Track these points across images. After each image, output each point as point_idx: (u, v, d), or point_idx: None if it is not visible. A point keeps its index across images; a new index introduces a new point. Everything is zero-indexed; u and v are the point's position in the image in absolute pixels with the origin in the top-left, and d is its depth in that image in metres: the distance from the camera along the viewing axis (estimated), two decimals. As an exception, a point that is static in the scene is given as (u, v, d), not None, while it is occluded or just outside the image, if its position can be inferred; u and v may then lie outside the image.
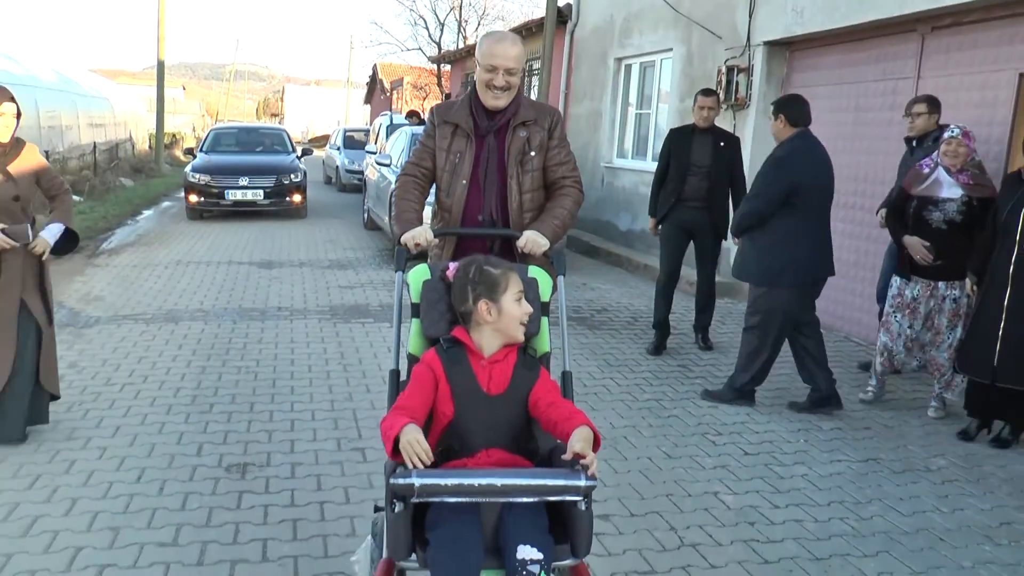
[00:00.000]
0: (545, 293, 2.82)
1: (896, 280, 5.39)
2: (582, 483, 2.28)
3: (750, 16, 8.96)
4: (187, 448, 4.37)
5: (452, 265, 2.73)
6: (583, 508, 2.39)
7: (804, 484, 4.26)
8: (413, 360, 2.74)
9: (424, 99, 34.70)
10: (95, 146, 20.50)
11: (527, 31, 15.95)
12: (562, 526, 2.47)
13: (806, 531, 3.75)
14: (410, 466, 2.23)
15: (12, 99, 4.05)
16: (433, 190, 3.60)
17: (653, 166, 11.14)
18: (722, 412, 5.29)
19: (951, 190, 5.09)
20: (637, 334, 7.20)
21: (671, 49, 10.79)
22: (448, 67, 27.51)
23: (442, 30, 30.76)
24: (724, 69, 9.25)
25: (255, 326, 6.94)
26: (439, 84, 29.97)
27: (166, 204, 16.95)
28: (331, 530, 3.56)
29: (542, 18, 13.84)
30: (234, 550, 3.35)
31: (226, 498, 3.81)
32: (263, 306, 7.71)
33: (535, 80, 15.47)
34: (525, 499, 2.36)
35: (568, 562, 2.46)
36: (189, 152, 16.84)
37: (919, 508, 4.04)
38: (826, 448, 4.77)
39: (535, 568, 2.33)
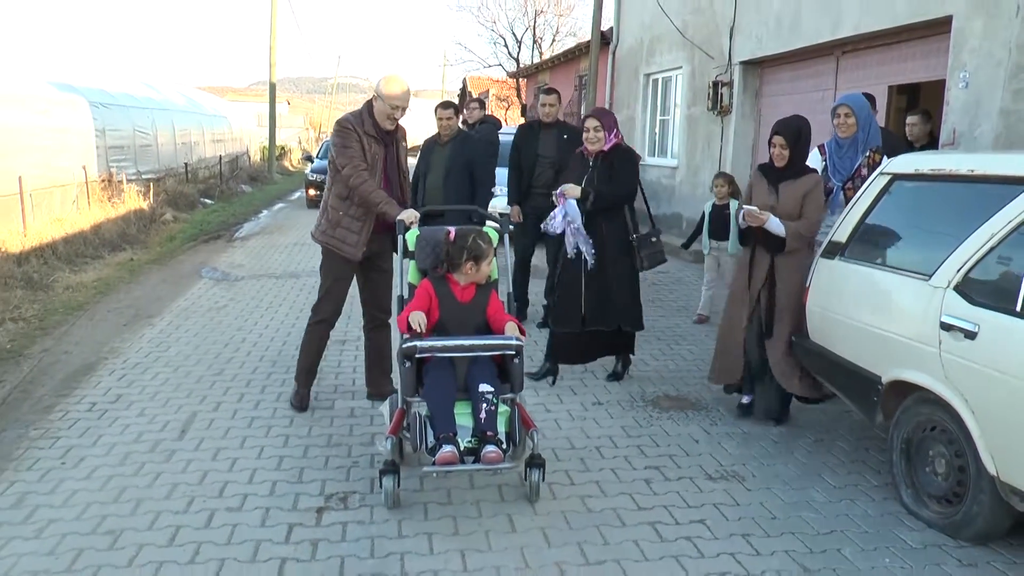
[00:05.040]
0: (494, 242, 4.20)
1: None
2: (514, 342, 3.86)
3: (730, 41, 11.41)
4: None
5: (452, 230, 4.15)
6: (516, 362, 3.87)
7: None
8: (412, 287, 4.23)
9: (507, 109, 37.55)
10: (220, 159, 24.02)
11: (579, 51, 18.56)
12: (505, 375, 3.96)
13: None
14: (416, 327, 3.78)
15: None
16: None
17: (672, 162, 13.77)
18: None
19: None
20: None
21: (681, 67, 13.27)
22: (525, 80, 30.28)
23: (519, 47, 33.56)
24: (711, 84, 11.72)
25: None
26: (518, 95, 32.77)
27: (279, 206, 20.11)
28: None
29: (590, 41, 16.47)
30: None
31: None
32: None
33: (584, 93, 18.06)
34: (482, 353, 3.85)
35: (509, 395, 3.92)
36: (308, 158, 21.34)
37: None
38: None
39: (490, 396, 3.77)
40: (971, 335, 3.51)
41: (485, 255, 4.02)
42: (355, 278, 5.29)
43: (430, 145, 7.35)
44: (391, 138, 5.01)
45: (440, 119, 7.15)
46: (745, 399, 5.26)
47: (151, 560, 3.41)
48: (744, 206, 4.95)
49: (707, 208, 7.87)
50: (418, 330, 3.80)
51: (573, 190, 5.49)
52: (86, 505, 3.89)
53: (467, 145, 7.12)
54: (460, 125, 7.49)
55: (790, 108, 10.32)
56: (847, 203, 5.08)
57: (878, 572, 3.45)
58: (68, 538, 3.57)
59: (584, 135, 5.61)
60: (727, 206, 7.66)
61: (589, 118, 5.62)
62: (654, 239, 5.76)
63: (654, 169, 14.56)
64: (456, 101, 51.28)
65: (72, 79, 16.16)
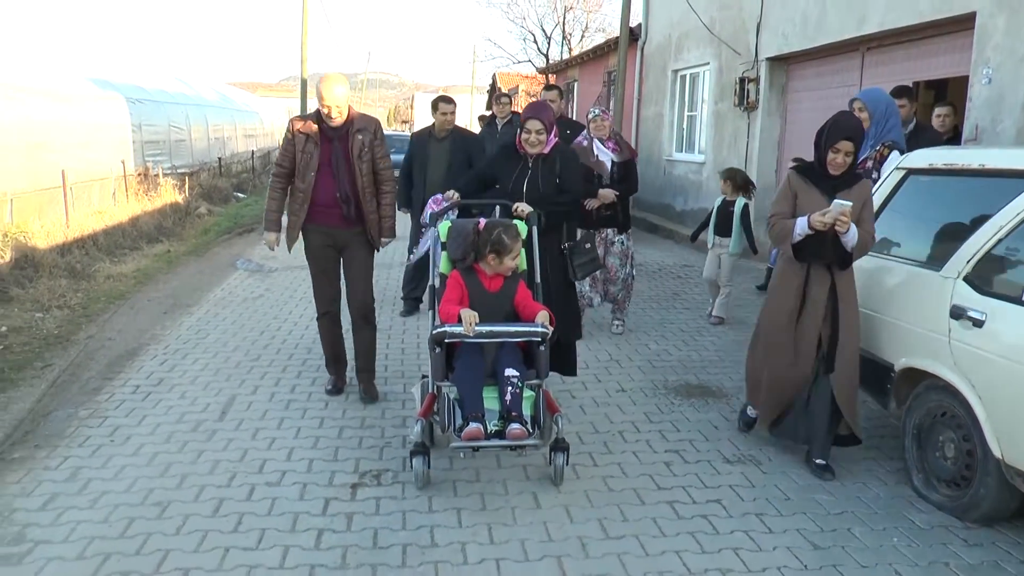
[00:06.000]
0: (522, 235, 4.44)
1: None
2: (539, 330, 4.02)
3: (757, 37, 11.50)
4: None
5: (483, 220, 4.39)
6: (542, 349, 4.05)
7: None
8: (444, 277, 4.38)
9: (536, 104, 37.63)
10: (252, 153, 24.41)
11: (607, 48, 18.67)
12: (531, 360, 4.13)
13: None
14: (468, 325, 3.88)
15: None
16: None
17: (700, 158, 13.87)
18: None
19: (605, 157, 6.66)
20: (668, 281, 9.90)
21: (708, 63, 13.37)
22: (554, 76, 30.41)
23: (549, 43, 33.68)
24: (738, 80, 11.81)
25: (383, 271, 9.99)
26: (547, 91, 32.87)
27: (311, 200, 20.38)
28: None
29: (619, 37, 16.58)
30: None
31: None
32: (388, 261, 10.79)
33: (612, 89, 18.16)
34: (509, 340, 4.06)
35: (534, 381, 4.10)
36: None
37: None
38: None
39: (515, 380, 3.95)
40: (979, 323, 3.65)
41: (508, 249, 4.18)
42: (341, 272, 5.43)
43: (423, 139, 7.44)
44: (337, 133, 5.01)
45: (444, 114, 7.28)
46: (752, 412, 4.84)
47: (197, 529, 3.65)
48: (837, 200, 4.09)
49: (717, 203, 7.97)
50: (469, 332, 3.91)
51: (528, 211, 4.84)
52: (135, 479, 4.14)
53: (468, 141, 7.33)
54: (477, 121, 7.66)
55: (816, 104, 10.44)
56: None
57: (886, 550, 3.61)
58: (120, 508, 3.82)
59: (524, 136, 5.06)
60: (733, 203, 7.76)
61: (531, 119, 5.03)
62: (588, 245, 5.47)
63: (681, 164, 14.66)
64: (487, 95, 51.67)
65: (110, 76, 16.56)
